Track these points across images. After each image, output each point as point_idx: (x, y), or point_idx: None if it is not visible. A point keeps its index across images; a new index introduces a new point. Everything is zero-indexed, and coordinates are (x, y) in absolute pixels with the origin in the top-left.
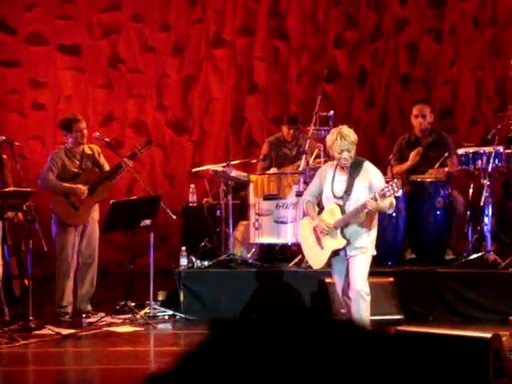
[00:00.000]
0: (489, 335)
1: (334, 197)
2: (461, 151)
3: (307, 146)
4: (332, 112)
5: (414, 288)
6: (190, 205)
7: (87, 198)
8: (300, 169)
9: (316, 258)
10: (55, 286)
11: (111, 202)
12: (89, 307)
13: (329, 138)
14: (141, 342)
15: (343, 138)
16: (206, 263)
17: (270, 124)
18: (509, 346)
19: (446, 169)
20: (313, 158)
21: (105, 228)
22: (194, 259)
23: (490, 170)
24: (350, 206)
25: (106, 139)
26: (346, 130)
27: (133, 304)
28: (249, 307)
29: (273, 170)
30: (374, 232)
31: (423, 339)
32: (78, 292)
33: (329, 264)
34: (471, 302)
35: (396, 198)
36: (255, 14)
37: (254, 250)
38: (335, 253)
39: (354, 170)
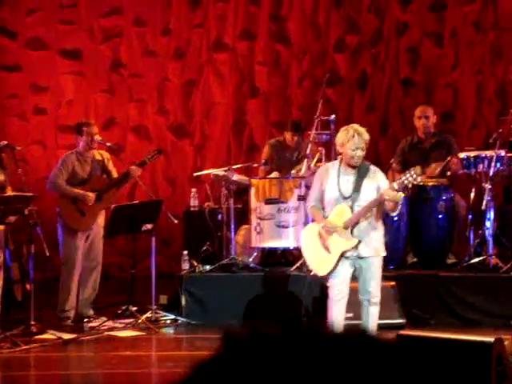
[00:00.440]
0: (491, 339)
1: (342, 197)
2: (462, 155)
3: (308, 150)
4: (333, 116)
5: (416, 292)
6: (192, 209)
7: (94, 205)
8: (301, 173)
9: (322, 264)
10: (59, 290)
11: (113, 206)
12: (91, 312)
13: (342, 135)
14: (142, 347)
15: (360, 136)
16: (207, 267)
17: (271, 128)
18: (511, 350)
19: (448, 172)
20: (314, 161)
21: (107, 233)
22: (195, 263)
23: (491, 173)
24: (359, 206)
25: (108, 144)
26: (360, 128)
27: (134, 308)
28: (251, 311)
29: (274, 174)
30: (382, 230)
31: (425, 343)
32: (80, 296)
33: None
34: (473, 306)
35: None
36: (256, 18)
37: (255, 254)
38: (343, 255)
39: (361, 170)
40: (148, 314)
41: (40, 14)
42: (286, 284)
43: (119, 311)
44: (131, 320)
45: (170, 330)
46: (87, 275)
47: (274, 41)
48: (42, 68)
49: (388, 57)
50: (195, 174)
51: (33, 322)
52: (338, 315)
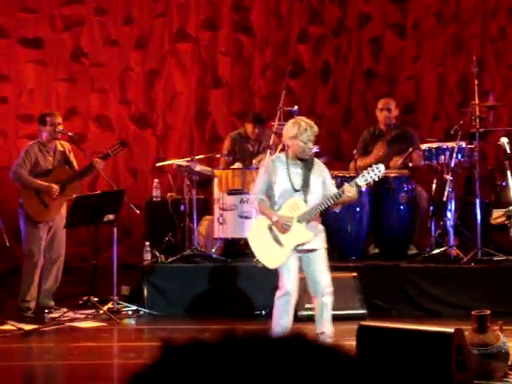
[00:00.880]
0: (451, 330)
1: (294, 190)
2: (424, 146)
3: (271, 140)
4: (296, 107)
5: (378, 283)
6: (154, 199)
7: (57, 196)
8: (264, 163)
9: (273, 257)
10: (21, 280)
11: (74, 196)
12: (51, 302)
13: (294, 128)
14: (104, 338)
15: (312, 129)
16: (169, 258)
17: (234, 119)
18: (471, 341)
19: (410, 164)
20: (277, 152)
21: (68, 224)
22: (157, 254)
23: (452, 165)
24: (311, 199)
25: (69, 134)
26: (310, 120)
27: (96, 299)
28: (213, 302)
29: (237, 165)
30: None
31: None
32: (42, 287)
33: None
34: (434, 297)
35: (360, 192)
36: (219, 8)
37: (218, 244)
38: (295, 249)
39: (307, 164)
40: (109, 305)
41: (0, 2)
42: (248, 275)
43: (80, 302)
44: (92, 311)
45: (132, 321)
46: (49, 266)
47: (236, 31)
48: (2, 56)
49: (351, 48)
50: (158, 165)
51: None
52: (283, 315)
